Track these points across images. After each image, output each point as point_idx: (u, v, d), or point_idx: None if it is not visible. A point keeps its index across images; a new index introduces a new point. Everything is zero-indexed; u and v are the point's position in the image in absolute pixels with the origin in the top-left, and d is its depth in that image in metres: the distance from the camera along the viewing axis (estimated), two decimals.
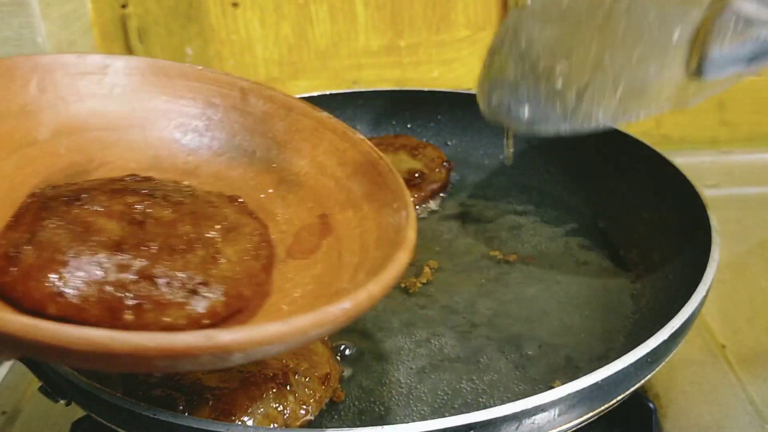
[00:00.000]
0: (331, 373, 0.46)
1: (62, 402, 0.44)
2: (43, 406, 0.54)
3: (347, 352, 0.50)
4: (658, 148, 0.61)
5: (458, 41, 0.86)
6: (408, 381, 0.48)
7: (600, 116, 0.44)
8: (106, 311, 0.30)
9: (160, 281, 0.31)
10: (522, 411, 0.36)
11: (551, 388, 0.37)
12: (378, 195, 0.39)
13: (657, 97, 0.42)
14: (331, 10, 0.84)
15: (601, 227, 0.64)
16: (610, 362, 0.38)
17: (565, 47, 0.47)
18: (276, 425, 0.43)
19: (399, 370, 0.49)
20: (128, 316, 0.30)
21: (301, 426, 0.44)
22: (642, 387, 0.42)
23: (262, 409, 0.43)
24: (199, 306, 0.32)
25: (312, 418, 0.44)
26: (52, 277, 0.30)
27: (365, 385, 0.48)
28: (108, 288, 0.31)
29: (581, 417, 0.39)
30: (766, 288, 0.66)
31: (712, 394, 0.54)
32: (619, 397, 0.40)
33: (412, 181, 0.68)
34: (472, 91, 0.84)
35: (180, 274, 0.32)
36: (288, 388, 0.44)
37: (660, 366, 0.42)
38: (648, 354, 0.40)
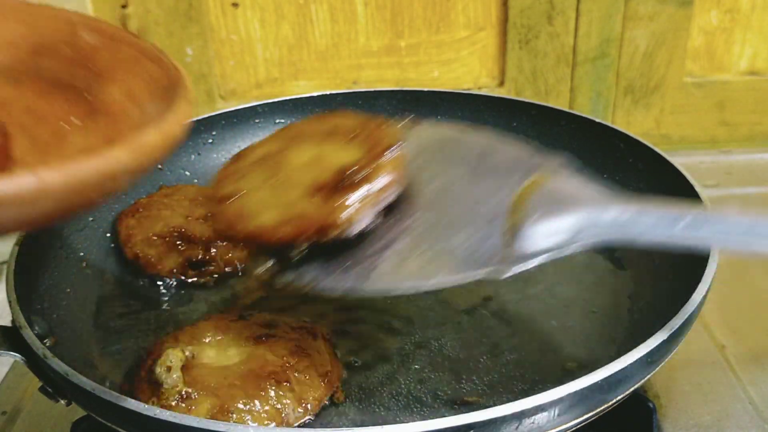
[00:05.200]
0: (331, 371, 0.46)
1: (62, 402, 0.44)
2: (43, 406, 0.54)
3: (348, 351, 0.50)
4: (658, 148, 0.61)
5: (458, 41, 0.86)
6: (408, 381, 0.48)
7: (397, 280, 0.43)
8: None
9: None
10: (522, 411, 0.36)
11: (552, 386, 0.37)
12: (163, 114, 0.37)
13: (466, 266, 0.42)
14: (331, 10, 0.84)
15: None
16: (610, 362, 0.38)
17: None
18: (274, 423, 0.43)
19: (399, 370, 0.49)
20: None
21: (300, 425, 0.44)
22: (642, 387, 0.42)
23: (260, 407, 0.43)
24: None
25: (311, 416, 0.44)
26: None
27: (365, 385, 0.48)
28: None
29: (581, 417, 0.39)
30: (766, 288, 0.66)
31: (712, 394, 0.54)
32: (619, 397, 0.40)
33: (345, 184, 0.44)
34: (472, 91, 0.84)
35: None
36: (287, 385, 0.44)
37: (660, 366, 0.42)
38: (648, 354, 0.40)
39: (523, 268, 0.40)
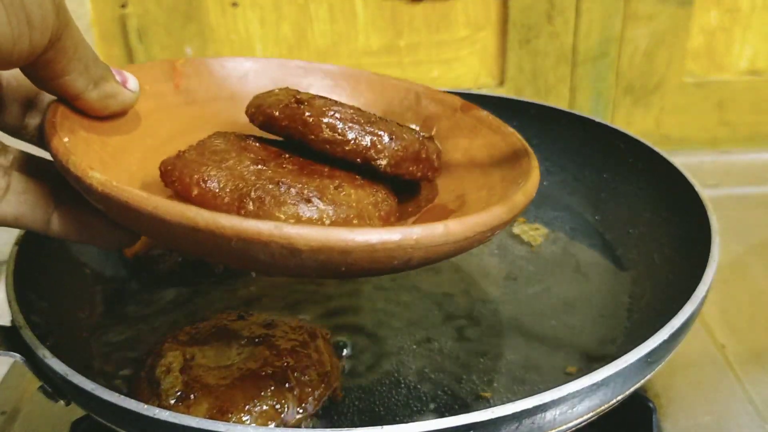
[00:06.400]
0: (331, 372, 0.46)
1: (62, 402, 0.44)
2: (42, 406, 0.54)
3: (347, 351, 0.50)
4: (658, 148, 0.61)
5: (458, 41, 0.86)
6: (408, 381, 0.48)
7: None
8: (235, 199, 0.36)
9: (283, 187, 0.37)
10: (522, 411, 0.36)
11: (552, 387, 0.37)
12: (510, 175, 0.43)
13: None
14: (331, 10, 0.84)
15: (601, 227, 0.64)
16: (610, 362, 0.38)
17: None
18: (274, 424, 0.43)
19: (399, 370, 0.49)
20: (250, 206, 0.36)
21: (300, 425, 0.44)
22: (642, 387, 0.42)
23: (259, 407, 0.43)
24: (308, 212, 0.36)
25: (311, 416, 0.44)
26: (203, 168, 0.37)
27: (365, 385, 0.48)
28: (241, 183, 0.37)
29: (581, 417, 0.39)
30: (766, 288, 0.66)
31: (712, 394, 0.54)
32: (619, 397, 0.40)
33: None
34: (472, 91, 0.84)
35: (300, 185, 0.37)
36: (287, 386, 0.44)
37: (660, 366, 0.42)
38: (648, 354, 0.40)
39: None
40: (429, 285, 0.57)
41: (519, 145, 0.46)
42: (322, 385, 0.45)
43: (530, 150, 0.44)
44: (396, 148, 0.41)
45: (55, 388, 0.44)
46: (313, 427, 0.44)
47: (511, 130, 0.47)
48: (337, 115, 0.40)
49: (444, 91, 0.51)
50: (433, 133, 0.50)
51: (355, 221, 0.38)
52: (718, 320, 0.61)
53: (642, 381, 0.41)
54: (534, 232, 0.64)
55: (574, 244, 0.62)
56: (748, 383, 0.55)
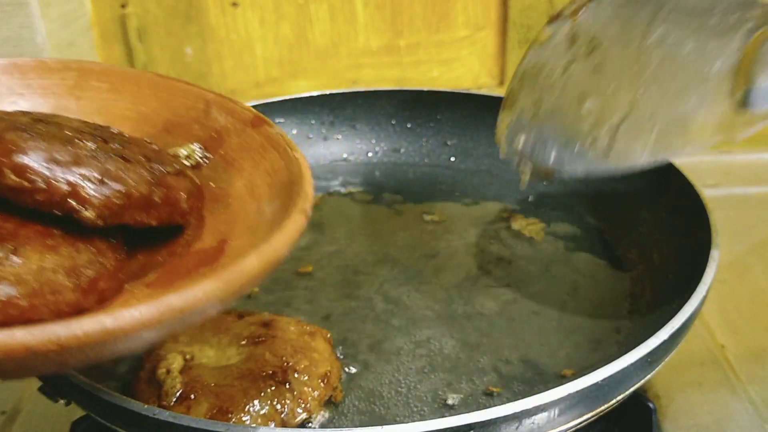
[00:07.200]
0: (331, 372, 0.46)
1: (62, 402, 0.44)
2: (42, 406, 0.54)
3: (347, 351, 0.50)
4: None
5: (458, 41, 0.86)
6: (408, 381, 0.48)
7: (636, 155, 0.42)
8: None
9: None
10: (522, 411, 0.36)
11: (551, 387, 0.37)
12: (276, 221, 0.36)
13: (700, 132, 0.40)
14: (331, 10, 0.84)
15: (601, 227, 0.64)
16: (610, 362, 0.38)
17: (594, 84, 0.44)
18: (274, 424, 0.43)
19: (399, 370, 0.49)
20: None
21: (300, 425, 0.44)
22: (642, 387, 0.42)
23: (259, 407, 0.43)
24: None
25: (311, 416, 0.44)
26: None
27: (365, 385, 0.48)
28: None
29: (581, 417, 0.39)
30: (766, 288, 0.66)
31: (712, 394, 0.54)
32: (619, 397, 0.40)
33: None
34: (472, 91, 0.84)
35: None
36: (287, 386, 0.44)
37: (660, 366, 0.42)
38: (648, 354, 0.40)
39: (757, 129, 0.38)
40: (429, 285, 0.57)
41: (297, 176, 0.38)
42: (323, 385, 0.45)
43: (306, 186, 0.37)
44: (109, 195, 0.33)
45: (56, 388, 0.44)
46: (314, 427, 0.44)
47: (297, 154, 0.39)
48: (27, 153, 0.32)
49: (236, 101, 0.44)
50: (221, 153, 0.43)
51: (23, 302, 0.30)
52: (718, 320, 0.61)
53: (642, 381, 0.41)
54: (533, 227, 0.64)
55: (574, 244, 0.62)
56: (748, 383, 0.55)
